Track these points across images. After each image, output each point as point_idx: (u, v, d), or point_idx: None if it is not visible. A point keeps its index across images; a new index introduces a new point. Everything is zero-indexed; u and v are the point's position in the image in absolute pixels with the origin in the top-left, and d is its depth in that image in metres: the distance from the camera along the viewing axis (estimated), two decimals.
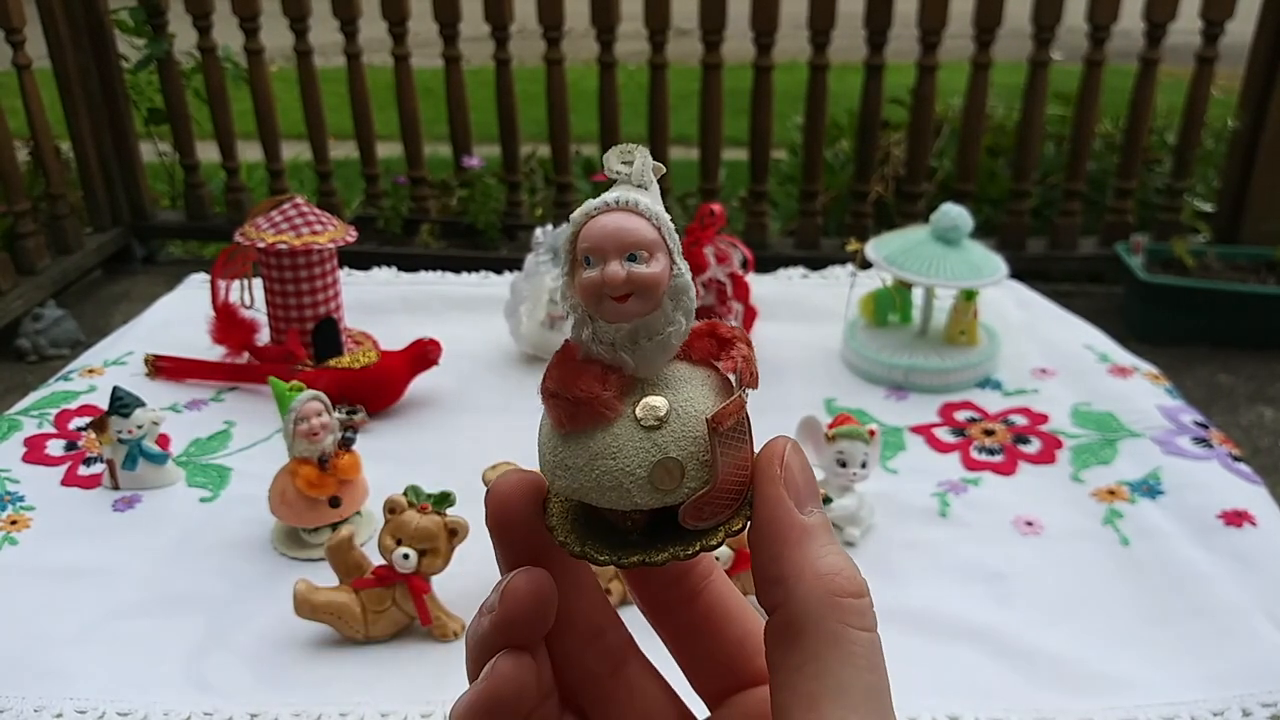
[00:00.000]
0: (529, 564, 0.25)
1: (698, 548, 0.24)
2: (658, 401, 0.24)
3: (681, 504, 0.24)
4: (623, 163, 0.24)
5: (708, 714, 0.29)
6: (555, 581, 0.25)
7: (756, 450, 0.25)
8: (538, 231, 1.14)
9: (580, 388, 0.24)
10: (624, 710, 0.28)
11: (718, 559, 0.68)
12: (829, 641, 0.23)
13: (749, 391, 0.25)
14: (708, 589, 0.28)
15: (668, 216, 0.24)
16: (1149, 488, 0.90)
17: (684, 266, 0.24)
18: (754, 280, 1.14)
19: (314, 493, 0.82)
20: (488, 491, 0.26)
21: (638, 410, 0.24)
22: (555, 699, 0.27)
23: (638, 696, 0.28)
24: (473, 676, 0.26)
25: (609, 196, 0.24)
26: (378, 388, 1.04)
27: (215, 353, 1.13)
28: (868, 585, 0.25)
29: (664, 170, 0.25)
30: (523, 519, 0.26)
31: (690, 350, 0.26)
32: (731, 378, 0.25)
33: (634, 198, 0.24)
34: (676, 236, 0.24)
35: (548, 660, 0.27)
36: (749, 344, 0.26)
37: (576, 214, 0.24)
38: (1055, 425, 1.01)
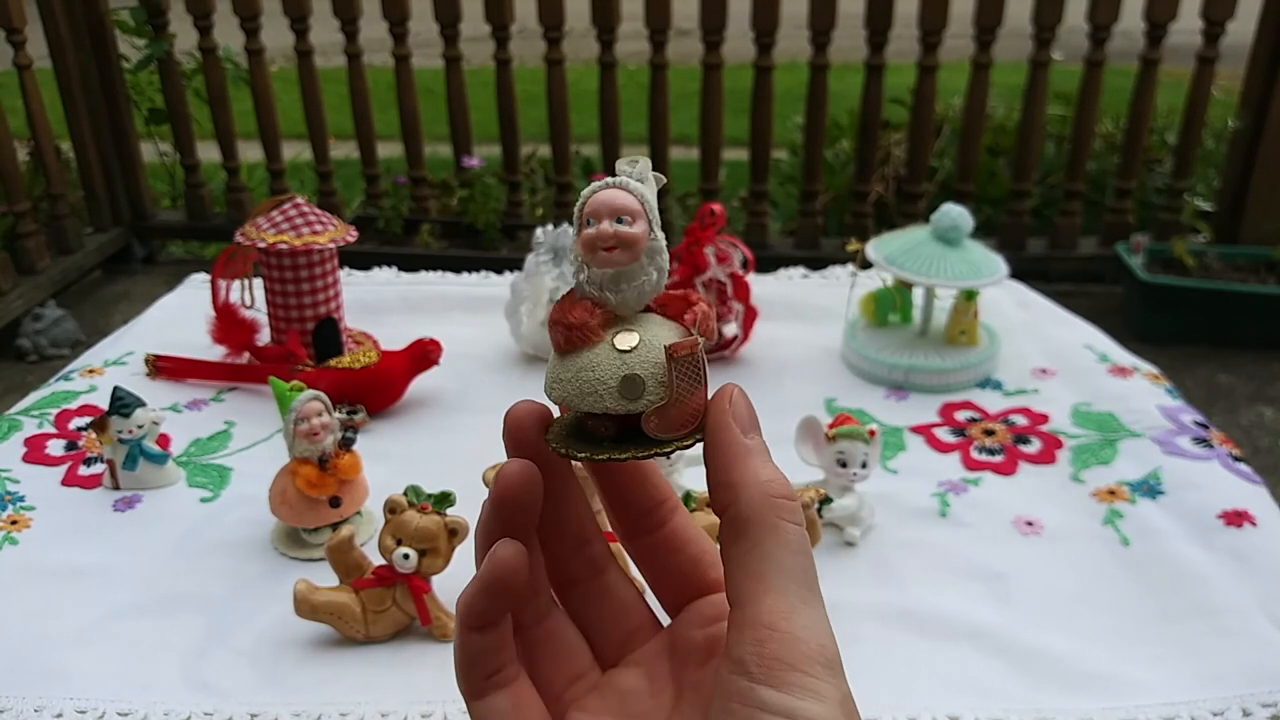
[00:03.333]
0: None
1: (653, 451, 0.31)
2: (631, 334, 0.31)
3: (643, 414, 0.30)
4: (629, 164, 0.32)
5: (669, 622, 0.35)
6: (553, 494, 0.32)
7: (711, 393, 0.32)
8: (538, 231, 1.14)
9: (573, 316, 0.31)
10: (601, 609, 0.35)
11: None
12: (769, 530, 0.29)
13: (705, 342, 0.32)
14: (672, 519, 0.35)
15: (653, 198, 0.31)
16: (1149, 488, 0.90)
17: (661, 235, 0.32)
18: (754, 280, 1.14)
19: (314, 493, 0.82)
20: (506, 413, 0.32)
21: (615, 339, 0.31)
22: (548, 595, 0.34)
23: (612, 597, 0.35)
24: (480, 565, 0.32)
25: (609, 179, 0.32)
26: (378, 388, 1.04)
27: (215, 353, 1.13)
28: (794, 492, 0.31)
29: (664, 180, 0.33)
30: (530, 436, 0.32)
31: (665, 308, 0.33)
32: (693, 331, 0.32)
33: (625, 180, 0.31)
34: (658, 212, 0.31)
35: (542, 561, 0.33)
36: (709, 305, 0.33)
37: (585, 190, 0.31)
38: (1055, 425, 1.01)
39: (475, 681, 0.32)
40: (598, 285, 0.31)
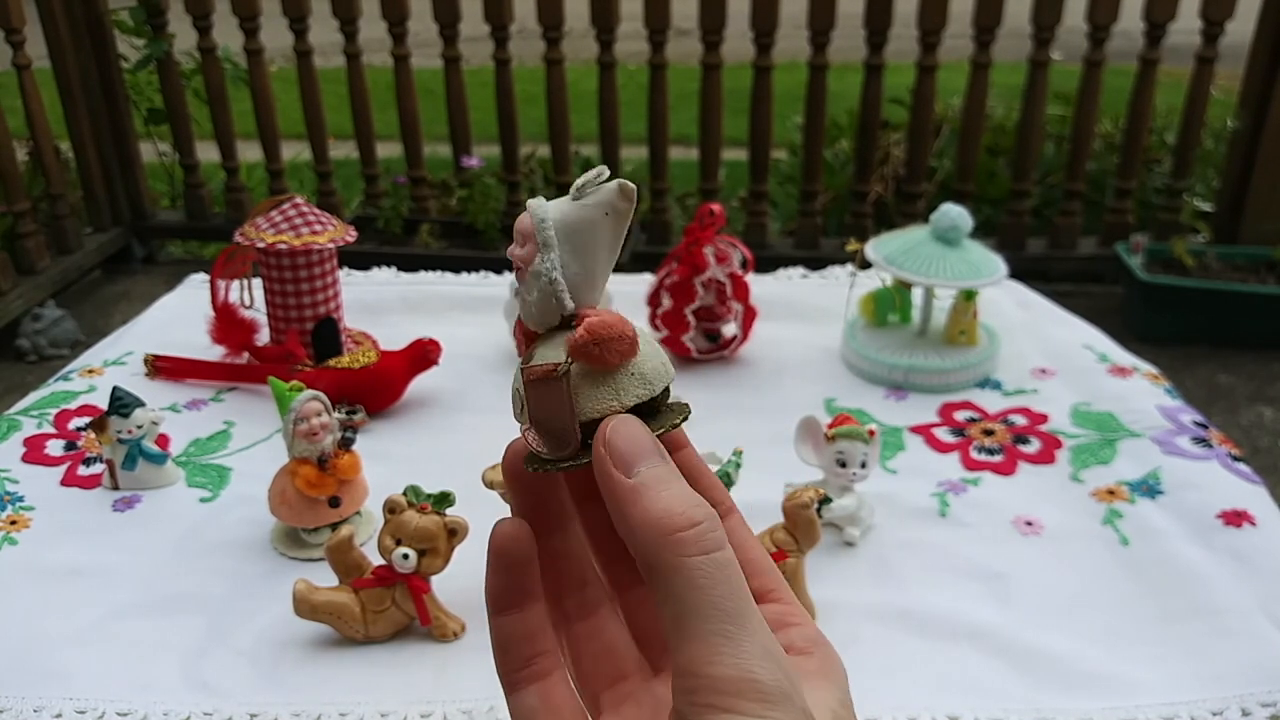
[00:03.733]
0: (532, 509, 0.33)
1: (559, 467, 0.31)
2: (535, 351, 0.32)
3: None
4: (594, 174, 0.32)
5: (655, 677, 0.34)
6: (555, 539, 0.33)
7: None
8: None
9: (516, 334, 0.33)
10: (588, 648, 0.34)
11: None
12: (670, 573, 0.28)
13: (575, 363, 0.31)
14: (728, 520, 0.34)
15: (553, 217, 0.31)
16: (1149, 488, 0.90)
17: (550, 260, 0.31)
18: (754, 280, 1.14)
19: (314, 493, 0.82)
20: (506, 448, 0.33)
21: (533, 353, 0.32)
22: (596, 590, 0.34)
23: (599, 638, 0.34)
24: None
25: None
26: (378, 388, 1.04)
27: (215, 353, 1.13)
28: (705, 511, 0.29)
29: (606, 172, 0.32)
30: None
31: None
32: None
33: (533, 202, 0.32)
34: (550, 233, 0.31)
35: (588, 553, 0.34)
36: (593, 332, 0.31)
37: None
38: (1055, 425, 1.01)
39: (509, 671, 0.32)
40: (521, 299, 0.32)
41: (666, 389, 0.32)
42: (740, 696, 0.26)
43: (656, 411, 0.32)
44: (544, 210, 0.31)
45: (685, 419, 0.32)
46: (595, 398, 0.30)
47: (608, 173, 0.31)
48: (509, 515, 0.33)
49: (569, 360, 0.30)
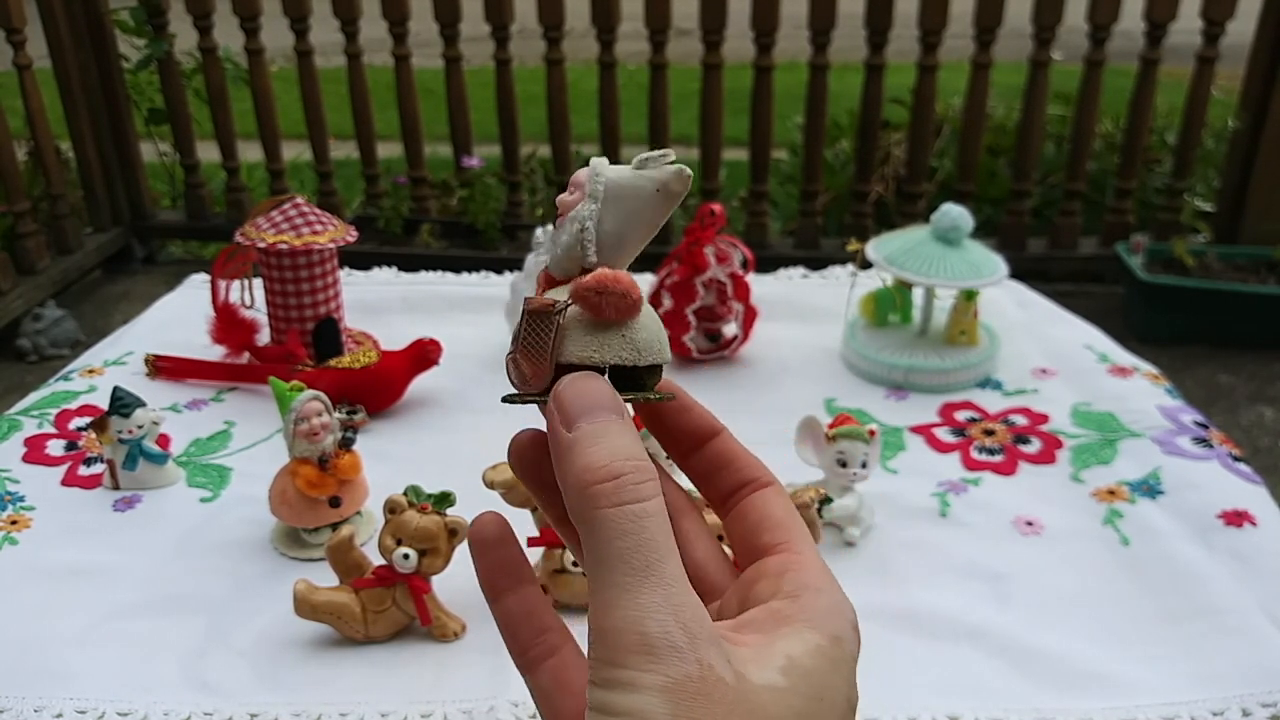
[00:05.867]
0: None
1: (525, 400, 0.32)
2: (544, 294, 0.33)
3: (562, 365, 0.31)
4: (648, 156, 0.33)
5: None
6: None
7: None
8: (538, 231, 1.13)
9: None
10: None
11: None
12: (590, 527, 0.28)
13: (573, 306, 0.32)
14: (714, 439, 0.36)
15: (607, 176, 0.32)
16: (1149, 488, 0.90)
17: (592, 209, 0.32)
18: (754, 280, 1.14)
19: (314, 493, 0.82)
20: (511, 442, 0.33)
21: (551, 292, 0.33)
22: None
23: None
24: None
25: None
26: (378, 388, 1.04)
27: (215, 353, 1.13)
28: (635, 465, 0.29)
29: (671, 154, 0.33)
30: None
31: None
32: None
33: (596, 160, 0.33)
34: (600, 187, 0.32)
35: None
36: (599, 280, 0.31)
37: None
38: (1055, 425, 1.01)
39: (520, 654, 0.33)
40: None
41: (658, 369, 0.32)
42: (626, 650, 0.26)
43: (640, 386, 0.32)
44: (603, 166, 0.32)
45: (660, 399, 0.33)
46: (580, 344, 0.31)
47: (673, 155, 0.32)
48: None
49: (568, 300, 0.31)
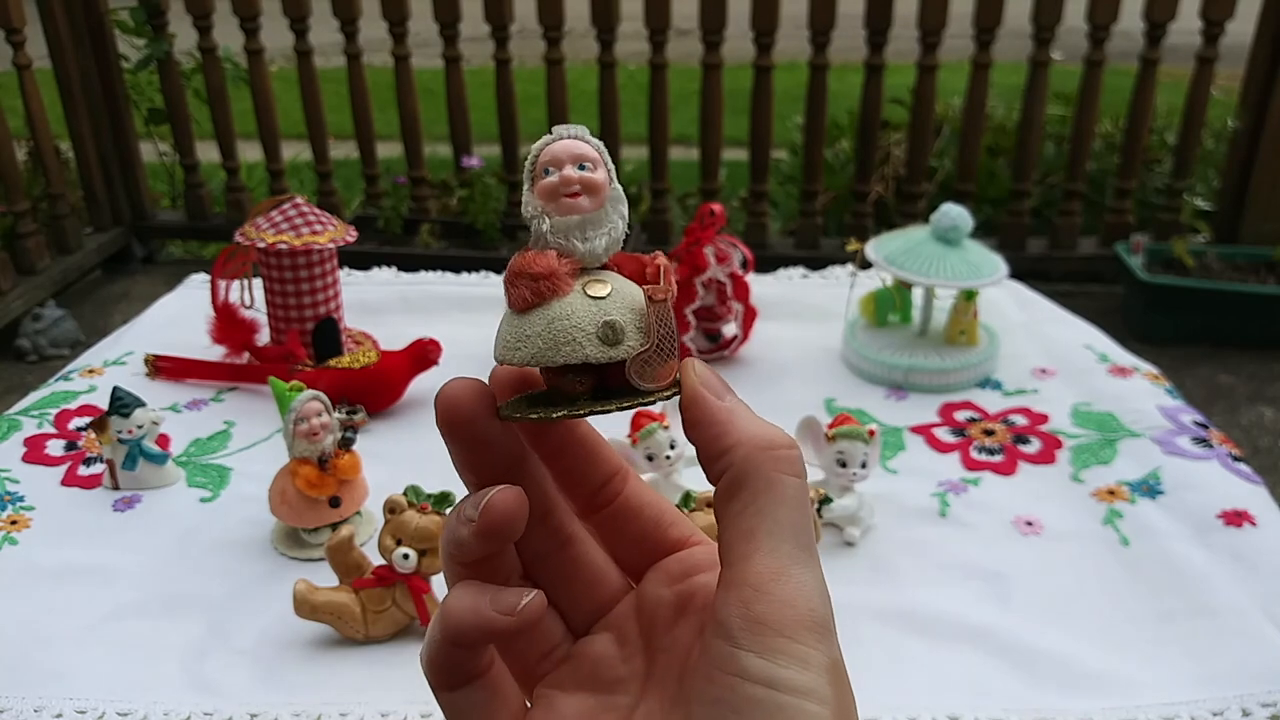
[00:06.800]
0: (480, 458, 0.30)
1: (637, 402, 0.29)
2: (601, 283, 0.30)
3: (622, 361, 0.29)
4: (566, 129, 0.30)
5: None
6: (493, 457, 0.30)
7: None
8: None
9: (540, 265, 0.29)
10: (571, 580, 0.32)
11: None
12: (765, 486, 0.28)
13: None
14: (625, 488, 0.33)
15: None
16: (1149, 488, 0.90)
17: (619, 186, 0.30)
18: (754, 280, 1.14)
19: (314, 493, 0.82)
20: (437, 394, 0.30)
21: (587, 287, 0.30)
22: (519, 573, 0.32)
23: (582, 566, 0.33)
24: (451, 579, 0.30)
25: (560, 129, 0.30)
26: (378, 388, 1.04)
27: (215, 353, 1.13)
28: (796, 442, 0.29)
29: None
30: (472, 414, 0.29)
31: (620, 268, 0.31)
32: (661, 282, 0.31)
33: (580, 129, 0.30)
34: (613, 163, 0.31)
35: (514, 557, 0.32)
36: (666, 270, 0.31)
37: (536, 144, 0.30)
38: (1055, 425, 1.01)
39: (450, 678, 0.30)
40: (563, 234, 0.30)
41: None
42: (798, 624, 0.26)
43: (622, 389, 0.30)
44: (595, 140, 0.31)
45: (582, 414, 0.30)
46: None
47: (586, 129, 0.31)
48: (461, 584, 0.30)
49: (667, 288, 0.30)
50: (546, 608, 0.30)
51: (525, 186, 0.30)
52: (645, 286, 0.30)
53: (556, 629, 0.33)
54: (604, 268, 0.31)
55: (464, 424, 0.29)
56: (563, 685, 0.31)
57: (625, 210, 0.31)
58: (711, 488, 0.29)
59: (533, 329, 0.29)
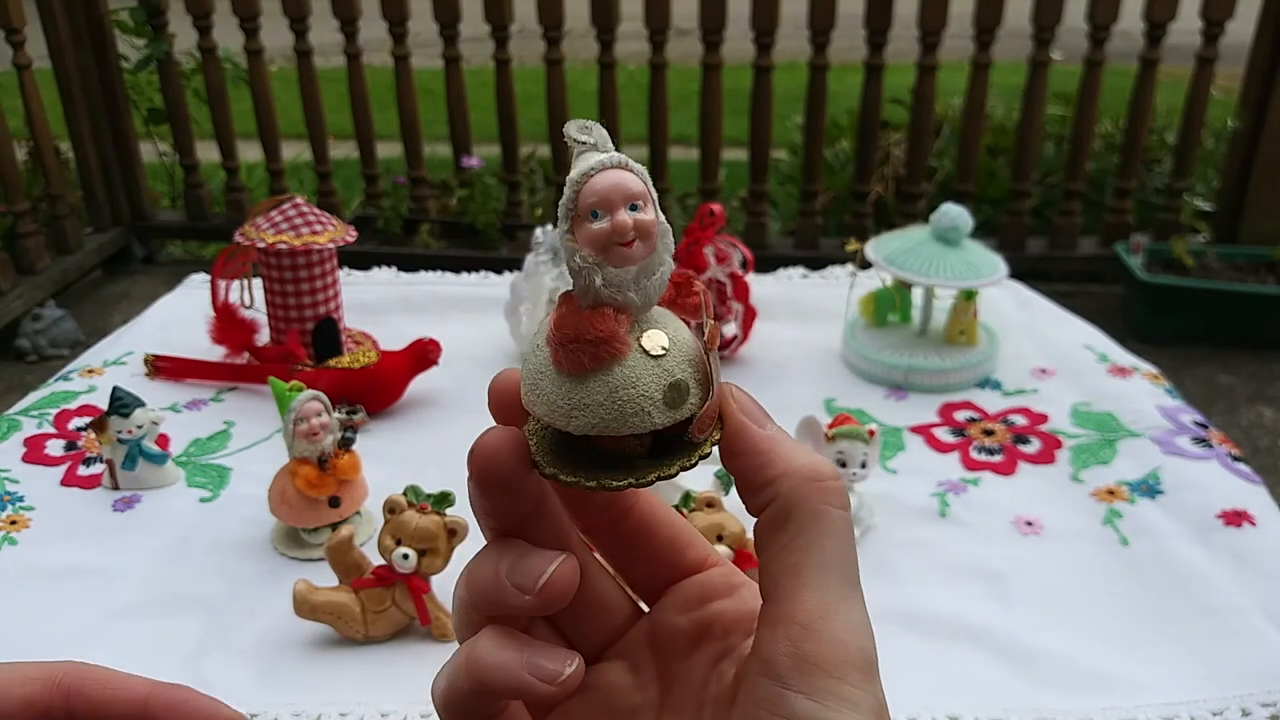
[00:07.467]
0: (510, 508, 0.28)
1: (696, 457, 0.27)
2: (659, 334, 0.27)
3: (687, 420, 0.27)
4: (583, 132, 0.27)
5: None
6: (522, 506, 0.28)
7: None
8: (538, 231, 1.14)
9: (599, 328, 0.26)
10: (581, 607, 0.31)
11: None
12: (811, 518, 0.27)
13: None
14: (637, 505, 0.31)
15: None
16: (1149, 488, 0.90)
17: (664, 219, 0.27)
18: (754, 280, 1.14)
19: (314, 493, 0.82)
20: (473, 449, 0.28)
21: (645, 343, 0.27)
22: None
23: (592, 595, 0.31)
24: (472, 626, 0.29)
25: (602, 157, 0.26)
26: (378, 388, 1.04)
27: (215, 353, 1.13)
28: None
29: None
30: (511, 471, 0.28)
31: None
32: (704, 317, 0.29)
33: (623, 157, 0.27)
34: (654, 189, 0.27)
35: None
36: (704, 287, 0.29)
37: (574, 175, 0.27)
38: (1055, 425, 1.01)
39: None
40: (619, 289, 0.26)
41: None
42: (849, 664, 0.26)
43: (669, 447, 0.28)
44: (637, 165, 0.28)
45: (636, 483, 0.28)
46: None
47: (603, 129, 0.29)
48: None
49: (709, 320, 0.29)
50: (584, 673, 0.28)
51: (563, 226, 0.27)
52: (701, 332, 0.28)
53: None
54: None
55: (502, 481, 0.28)
56: (575, 715, 0.31)
57: (672, 243, 0.28)
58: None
59: (592, 398, 0.26)
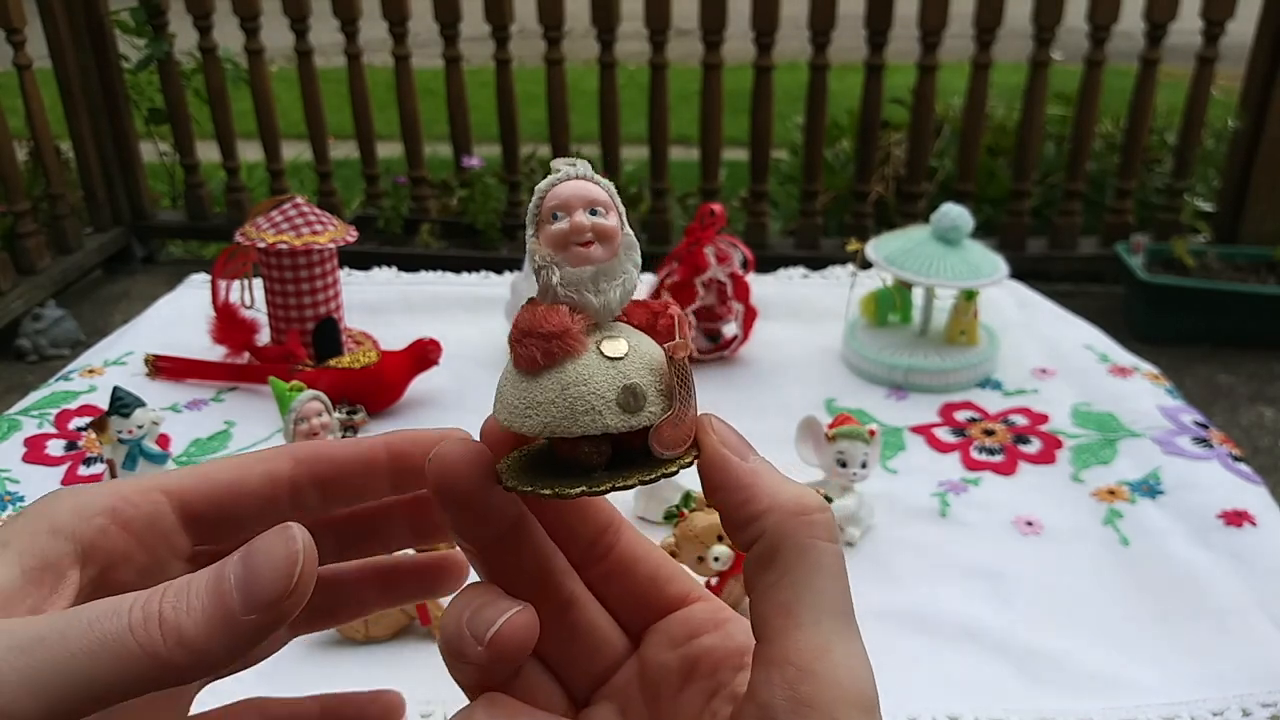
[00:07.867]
0: (477, 526, 0.28)
1: (659, 474, 0.27)
2: (618, 339, 0.28)
3: (644, 428, 0.27)
4: (568, 164, 0.29)
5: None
6: (490, 525, 0.28)
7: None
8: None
9: (552, 323, 0.27)
10: (571, 645, 0.30)
11: (716, 559, 0.68)
12: (799, 554, 0.26)
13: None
14: (619, 541, 0.31)
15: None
16: (1149, 488, 0.90)
17: (630, 232, 0.28)
18: (754, 280, 1.14)
19: None
20: (429, 459, 0.27)
21: (602, 346, 0.27)
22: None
23: (582, 631, 0.30)
24: (462, 678, 0.29)
25: (568, 170, 0.28)
26: (378, 388, 1.04)
27: (215, 353, 1.13)
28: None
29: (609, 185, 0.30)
30: (470, 483, 0.27)
31: (629, 318, 0.29)
32: (675, 335, 0.29)
33: (588, 170, 0.28)
34: (623, 206, 0.28)
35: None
36: (679, 308, 0.29)
37: (541, 184, 0.28)
38: (1055, 425, 1.01)
39: None
40: (575, 287, 0.27)
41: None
42: (848, 704, 0.25)
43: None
44: (604, 181, 0.29)
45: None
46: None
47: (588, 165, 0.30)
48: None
49: (687, 341, 0.29)
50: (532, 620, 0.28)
51: (529, 231, 0.28)
52: (665, 344, 0.28)
53: (559, 701, 0.31)
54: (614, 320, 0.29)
55: (461, 494, 0.27)
56: None
57: (638, 258, 0.29)
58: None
59: (545, 395, 0.27)
